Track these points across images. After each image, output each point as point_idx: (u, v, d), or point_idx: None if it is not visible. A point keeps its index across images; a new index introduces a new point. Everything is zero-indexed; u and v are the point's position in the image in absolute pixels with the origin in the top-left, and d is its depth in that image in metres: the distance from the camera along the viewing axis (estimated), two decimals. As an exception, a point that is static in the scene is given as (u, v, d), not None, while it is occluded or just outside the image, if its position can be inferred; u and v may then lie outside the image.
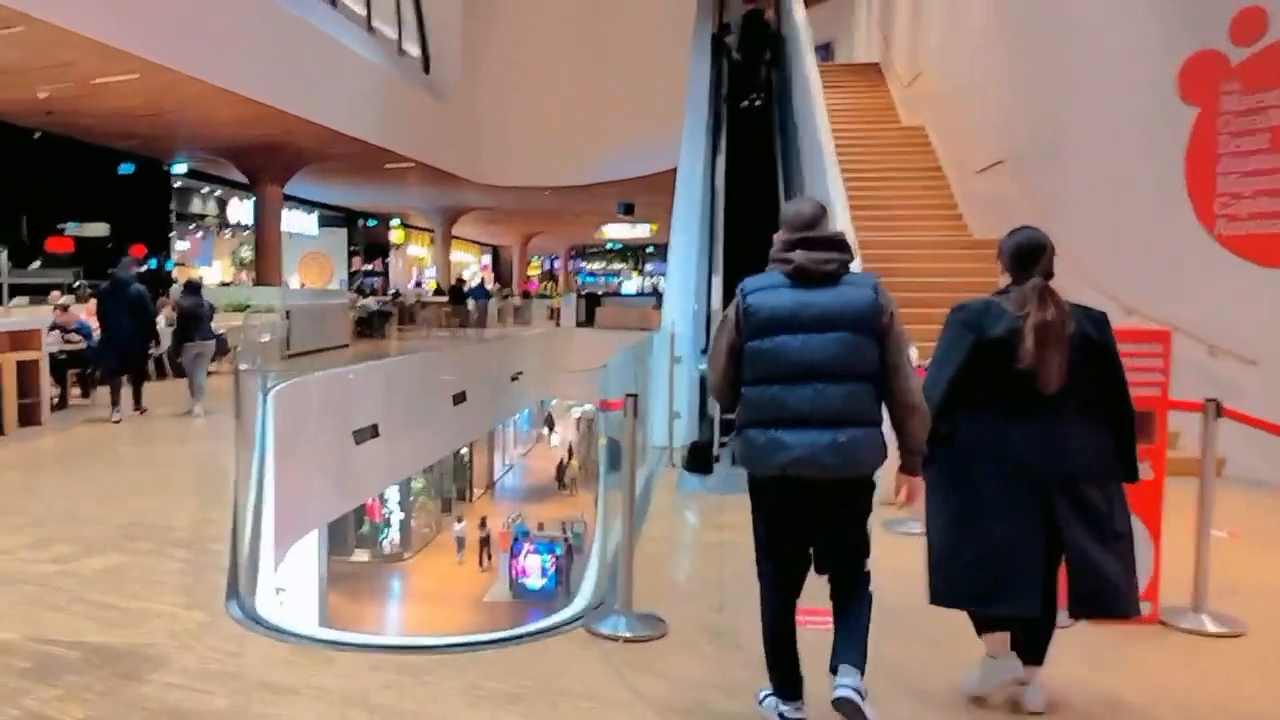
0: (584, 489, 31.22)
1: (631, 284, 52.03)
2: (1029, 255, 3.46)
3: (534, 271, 51.60)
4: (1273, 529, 6.56)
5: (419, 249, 41.21)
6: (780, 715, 3.35)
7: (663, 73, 23.12)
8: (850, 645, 3.24)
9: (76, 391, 11.99)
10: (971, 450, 3.41)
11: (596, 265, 55.97)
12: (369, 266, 35.91)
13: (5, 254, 16.29)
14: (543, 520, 25.46)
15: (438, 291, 30.49)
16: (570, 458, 32.05)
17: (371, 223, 35.68)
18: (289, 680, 3.79)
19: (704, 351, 8.38)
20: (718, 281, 10.16)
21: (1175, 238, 8.77)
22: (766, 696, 3.46)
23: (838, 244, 3.29)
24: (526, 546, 22.30)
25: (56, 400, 11.20)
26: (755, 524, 3.42)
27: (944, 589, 3.50)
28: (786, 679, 3.37)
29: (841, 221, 9.59)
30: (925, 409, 3.23)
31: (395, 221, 36.71)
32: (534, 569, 22.20)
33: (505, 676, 3.86)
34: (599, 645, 4.17)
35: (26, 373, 10.08)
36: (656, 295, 35.68)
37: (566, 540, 23.42)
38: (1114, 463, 3.46)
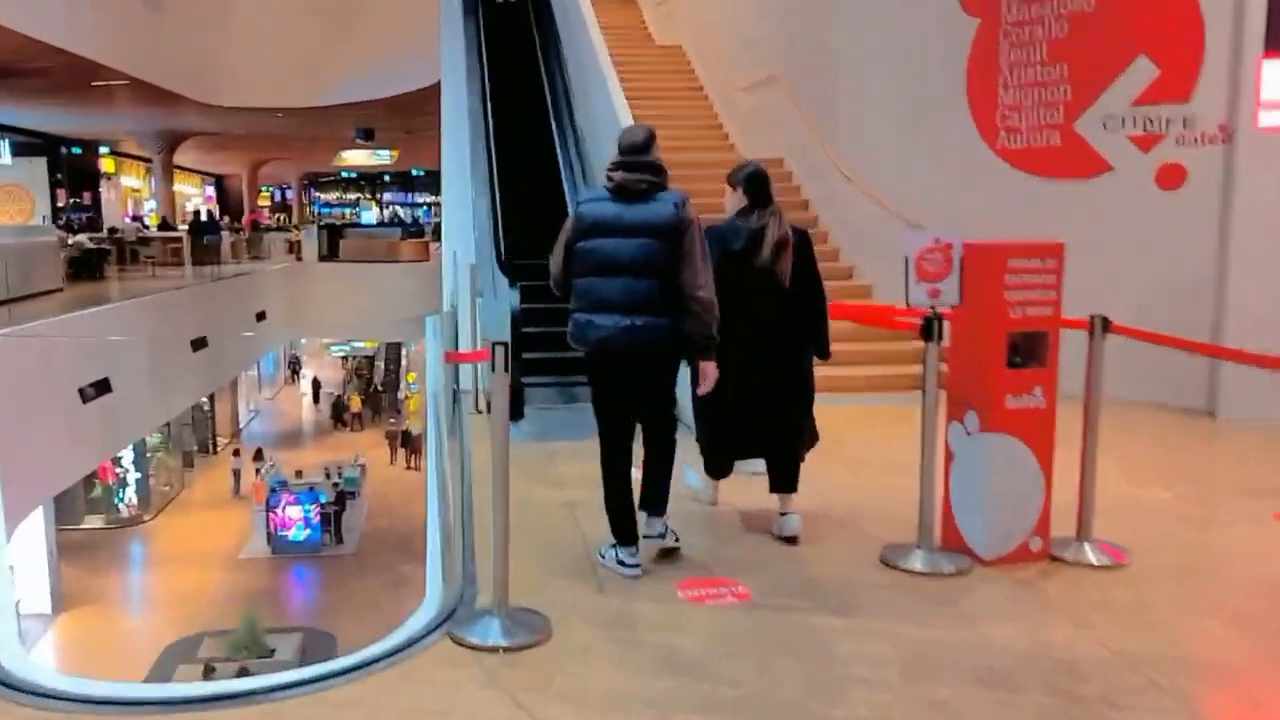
0: (371, 427, 29.93)
1: (371, 214, 49.70)
2: (763, 183, 4.64)
3: (264, 203, 48.14)
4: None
5: (133, 180, 37.31)
6: (621, 563, 4.20)
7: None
8: (654, 492, 4.30)
9: None
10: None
11: (332, 195, 53.05)
12: (76, 200, 32.01)
13: None
14: (301, 467, 24.05)
15: (162, 225, 27.70)
16: (352, 395, 30.44)
17: (76, 150, 31.77)
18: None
19: (512, 283, 7.85)
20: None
21: (960, 153, 8.88)
22: (608, 549, 4.28)
23: (653, 168, 4.12)
24: (285, 497, 20.91)
25: None
26: (591, 392, 4.32)
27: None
28: (623, 528, 4.21)
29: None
30: (711, 301, 4.04)
31: (105, 149, 32.88)
32: (295, 519, 20.89)
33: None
34: (477, 661, 3.36)
35: None
36: (402, 225, 34.19)
37: (337, 485, 22.16)
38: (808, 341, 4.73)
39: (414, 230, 29.16)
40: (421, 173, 46.10)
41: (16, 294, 14.16)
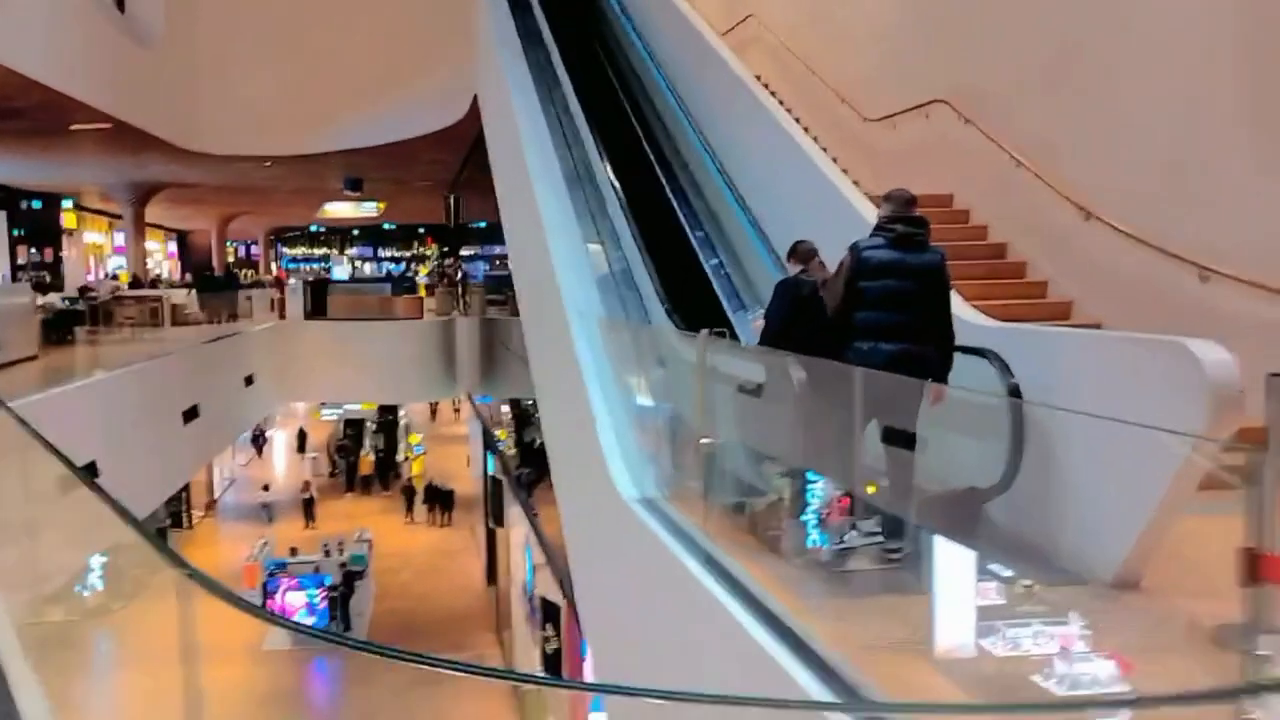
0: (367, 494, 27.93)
1: (342, 269, 47.88)
2: (811, 253, 6.02)
3: (229, 258, 46.18)
4: None
5: (96, 235, 35.26)
6: None
7: (413, 23, 20.32)
8: None
9: None
10: None
11: (299, 250, 51.23)
12: (37, 258, 29.89)
13: None
14: (294, 543, 22.08)
15: (134, 284, 25.78)
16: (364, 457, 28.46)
17: (36, 204, 29.74)
18: None
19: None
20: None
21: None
22: None
23: (926, 223, 5.25)
24: (285, 581, 18.98)
25: None
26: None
27: None
28: None
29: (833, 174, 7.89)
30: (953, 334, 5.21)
31: (68, 203, 30.85)
32: (298, 606, 18.92)
33: None
34: None
35: None
36: (391, 281, 32.50)
37: (344, 565, 20.17)
38: None
39: (407, 286, 27.58)
40: (393, 226, 44.53)
41: (-4, 363, 12.37)
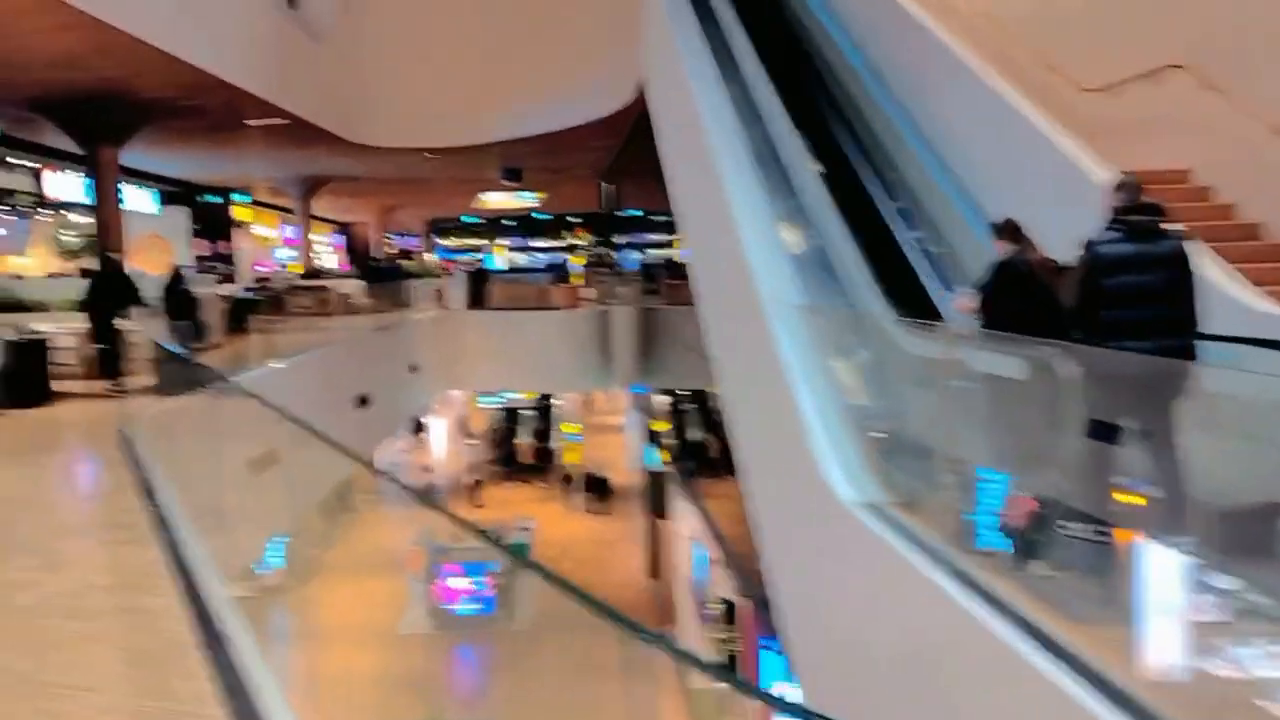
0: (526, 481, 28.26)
1: (497, 260, 48.53)
2: (1019, 229, 5.72)
3: (391, 251, 47.45)
4: None
5: (265, 229, 36.63)
6: None
7: (578, 9, 20.21)
8: None
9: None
10: None
11: (453, 241, 52.19)
12: (214, 250, 31.19)
13: None
14: (454, 528, 22.28)
15: (308, 274, 26.65)
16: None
17: (212, 199, 31.01)
18: None
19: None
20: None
21: None
22: None
23: (1160, 209, 4.82)
24: (449, 567, 19.11)
25: None
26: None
27: None
28: None
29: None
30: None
31: (241, 198, 32.10)
32: (462, 591, 19.04)
33: None
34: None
35: None
36: (552, 270, 32.62)
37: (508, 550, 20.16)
38: None
39: (561, 275, 27.63)
40: (547, 216, 44.81)
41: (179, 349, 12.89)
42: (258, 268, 31.16)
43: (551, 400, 31.08)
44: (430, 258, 46.73)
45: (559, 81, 20.60)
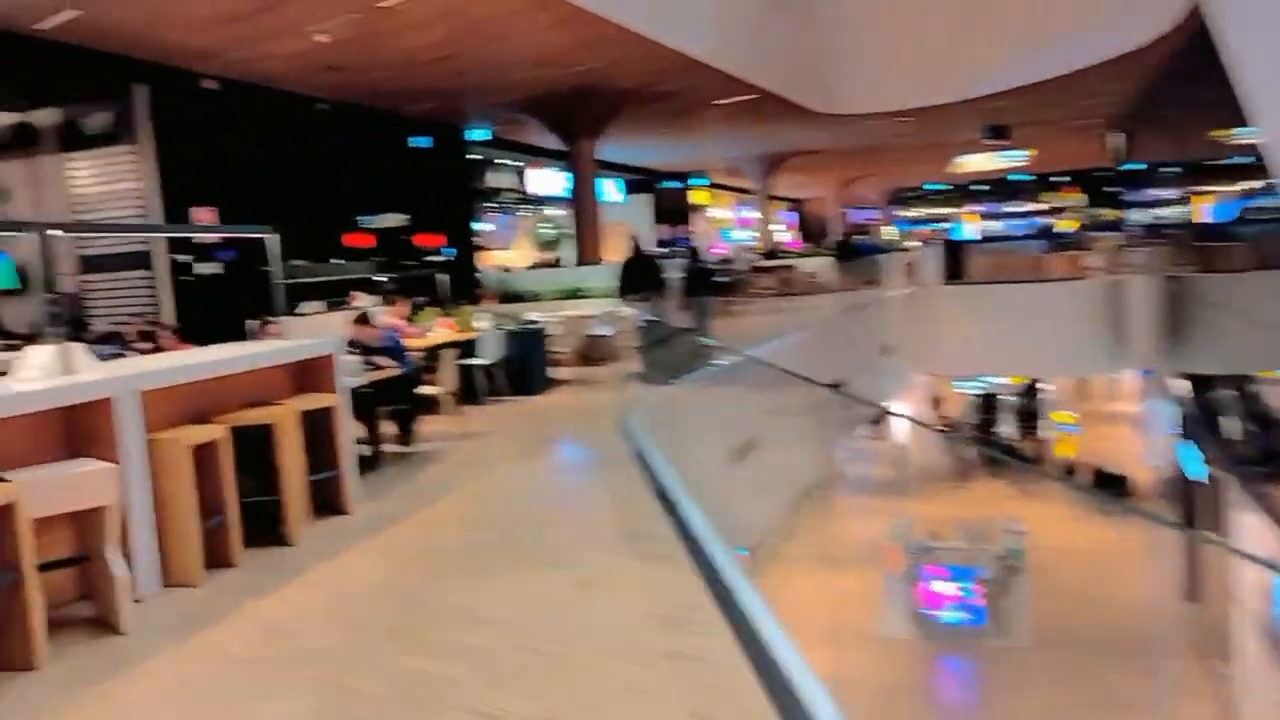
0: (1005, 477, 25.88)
1: (966, 228, 44.99)
2: None
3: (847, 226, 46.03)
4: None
5: (719, 211, 36.68)
6: None
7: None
8: None
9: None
10: None
11: (913, 212, 49.37)
12: (676, 235, 31.65)
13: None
14: (930, 524, 20.28)
15: (767, 254, 25.85)
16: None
17: (670, 185, 31.39)
18: None
19: None
20: None
21: None
22: None
23: None
24: (932, 569, 17.20)
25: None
26: None
27: None
28: None
29: None
30: None
31: (700, 181, 32.17)
32: (948, 597, 17.01)
33: None
34: None
35: (320, 431, 6.04)
36: (1043, 237, 29.22)
37: (1004, 559, 17.88)
38: None
39: (1065, 241, 24.37)
40: (1024, 177, 40.56)
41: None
42: (715, 251, 31.19)
43: (1038, 385, 27.85)
44: (889, 229, 44.52)
45: (1066, 13, 17.47)
